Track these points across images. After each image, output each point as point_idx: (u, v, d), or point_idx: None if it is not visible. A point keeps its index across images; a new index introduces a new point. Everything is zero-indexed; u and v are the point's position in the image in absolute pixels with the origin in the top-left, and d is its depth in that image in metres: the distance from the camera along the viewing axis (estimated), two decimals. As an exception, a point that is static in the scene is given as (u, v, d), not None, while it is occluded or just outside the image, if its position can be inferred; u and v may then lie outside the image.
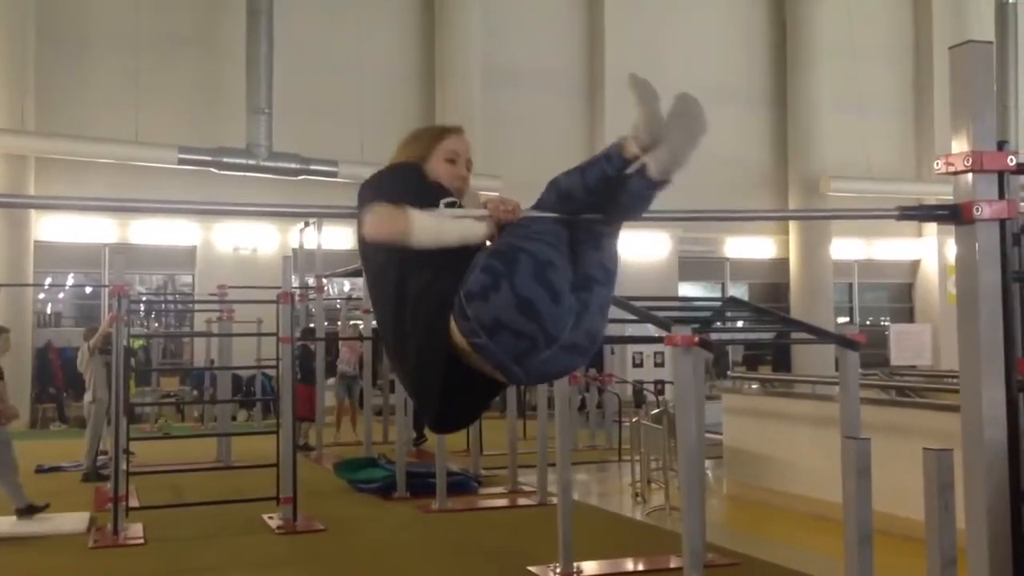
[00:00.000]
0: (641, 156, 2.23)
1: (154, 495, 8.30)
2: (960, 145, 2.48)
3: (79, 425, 15.19)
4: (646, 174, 2.23)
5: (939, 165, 2.52)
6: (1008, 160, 2.46)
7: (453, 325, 2.20)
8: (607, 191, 2.31)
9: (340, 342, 13.82)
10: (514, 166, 16.34)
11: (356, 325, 14.49)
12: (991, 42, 2.63)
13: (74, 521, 7.60)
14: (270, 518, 7.70)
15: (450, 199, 2.40)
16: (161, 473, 9.13)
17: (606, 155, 2.29)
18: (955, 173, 2.49)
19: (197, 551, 6.93)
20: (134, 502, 8.07)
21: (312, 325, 13.14)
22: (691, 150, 2.23)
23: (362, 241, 2.48)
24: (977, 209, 2.44)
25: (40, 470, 10.37)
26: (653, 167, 2.22)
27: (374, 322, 13.84)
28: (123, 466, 7.33)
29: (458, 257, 2.25)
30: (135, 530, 7.27)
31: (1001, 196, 2.47)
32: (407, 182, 2.48)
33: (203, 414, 15.11)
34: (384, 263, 2.42)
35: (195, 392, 16.05)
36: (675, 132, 2.22)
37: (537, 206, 2.36)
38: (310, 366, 12.22)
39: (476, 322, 2.16)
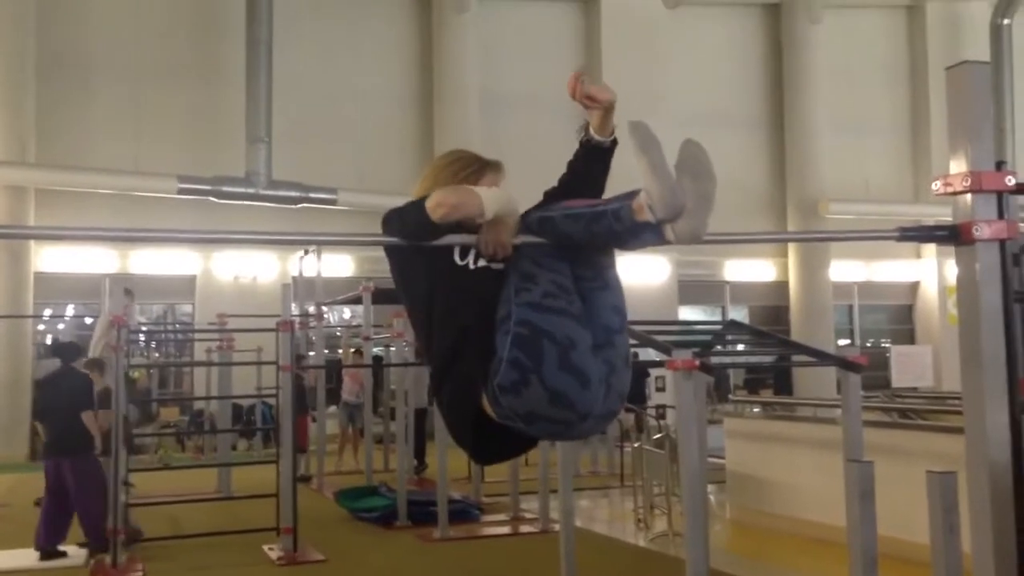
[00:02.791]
0: (653, 222, 2.16)
1: (153, 526, 8.24)
2: (958, 166, 2.47)
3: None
4: (662, 236, 2.18)
5: (938, 186, 2.52)
6: (1007, 180, 2.46)
7: (485, 399, 2.24)
8: (612, 238, 2.29)
9: (343, 371, 13.77)
10: (511, 190, 16.30)
11: (359, 352, 14.45)
12: (987, 63, 2.63)
13: (72, 554, 7.54)
14: (270, 549, 7.64)
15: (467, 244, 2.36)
16: (160, 504, 9.08)
17: (615, 214, 2.21)
18: (954, 194, 2.48)
19: (197, 583, 6.87)
20: (134, 533, 8.00)
21: (301, 353, 13.09)
22: (709, 216, 2.16)
23: (395, 271, 2.49)
24: (977, 229, 2.43)
25: (40, 503, 10.29)
26: (672, 235, 2.17)
27: (375, 349, 13.88)
28: (122, 498, 7.28)
29: (484, 319, 2.25)
30: (134, 563, 7.22)
31: (1000, 216, 2.46)
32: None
33: (203, 444, 15.04)
34: (418, 302, 2.43)
35: (197, 421, 15.97)
36: (691, 199, 2.12)
37: (530, 231, 2.35)
38: (301, 395, 12.14)
39: (510, 411, 2.20)
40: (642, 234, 2.20)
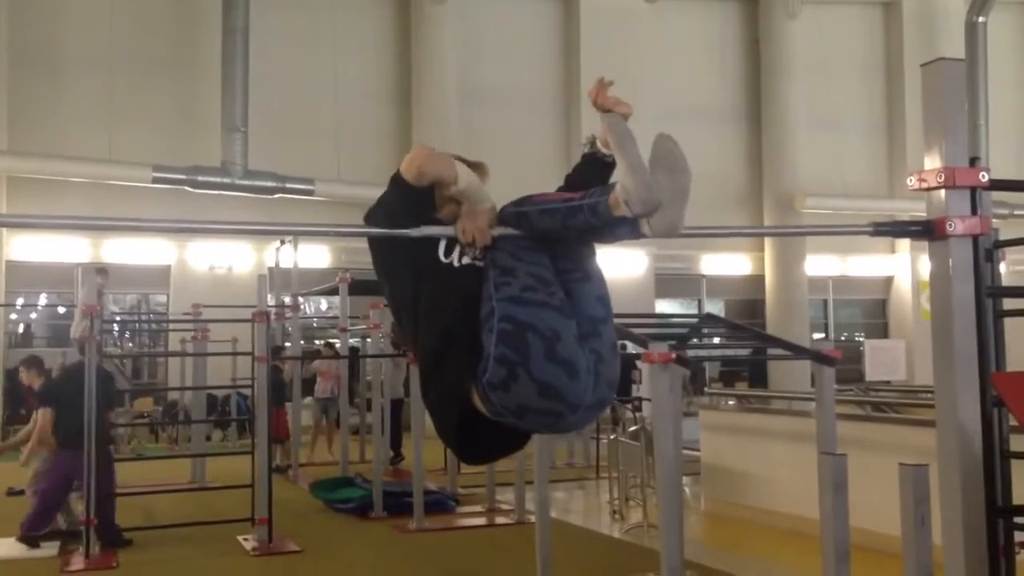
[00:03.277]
0: (630, 216, 2.18)
1: (127, 517, 8.18)
2: (933, 162, 2.49)
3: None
4: (639, 230, 2.20)
5: (912, 181, 2.54)
6: (980, 176, 2.48)
7: (475, 397, 2.24)
8: (589, 232, 2.31)
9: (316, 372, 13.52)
10: (490, 184, 16.31)
11: (332, 345, 14.38)
12: (962, 60, 2.65)
13: (45, 544, 7.48)
14: (245, 539, 7.61)
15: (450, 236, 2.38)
16: (134, 495, 9.02)
17: (591, 209, 2.22)
18: (928, 189, 2.50)
19: (171, 574, 6.84)
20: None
21: (277, 344, 13.02)
22: (684, 209, 2.18)
23: (380, 269, 2.49)
24: (950, 225, 2.45)
25: (11, 493, 10.21)
26: (647, 229, 2.19)
27: (351, 340, 13.83)
28: (92, 488, 7.23)
29: (470, 318, 2.26)
30: (107, 553, 7.17)
31: (974, 212, 2.49)
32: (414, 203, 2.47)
33: (177, 435, 14.95)
34: (403, 301, 2.43)
35: (171, 411, 15.87)
36: (666, 193, 2.15)
37: (507, 224, 2.36)
38: (279, 386, 12.10)
39: (501, 407, 2.21)
40: (618, 228, 2.22)
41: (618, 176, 2.21)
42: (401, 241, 2.35)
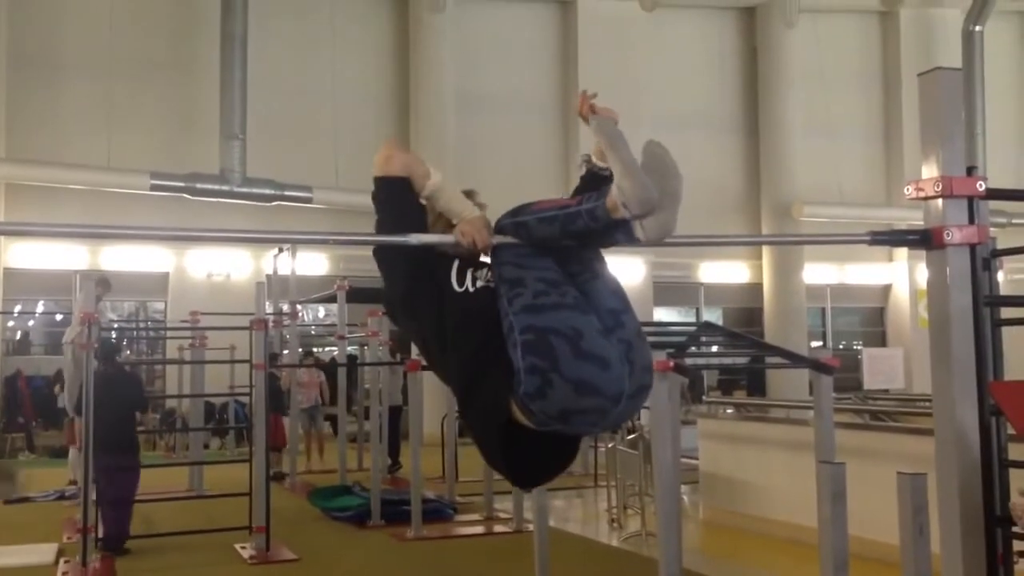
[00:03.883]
0: (628, 218, 2.21)
1: (124, 525, 8.16)
2: (930, 171, 2.50)
3: (48, 455, 14.99)
4: (633, 235, 2.24)
5: (910, 190, 2.54)
6: (977, 185, 2.49)
7: (516, 411, 2.23)
8: (588, 238, 2.33)
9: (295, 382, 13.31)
10: (487, 191, 15.97)
11: (311, 353, 14.22)
12: (959, 69, 2.66)
13: (42, 552, 7.46)
14: (242, 548, 7.59)
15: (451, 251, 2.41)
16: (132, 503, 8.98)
17: (590, 213, 2.25)
18: (925, 198, 2.51)
19: (168, 582, 6.81)
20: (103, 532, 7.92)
21: (275, 352, 12.96)
22: (677, 212, 2.22)
23: (405, 312, 2.52)
24: (947, 234, 2.45)
25: (8, 501, 10.19)
26: (641, 233, 2.22)
27: (349, 348, 13.79)
28: (92, 496, 7.21)
29: (495, 336, 2.27)
30: (106, 561, 7.14)
31: (971, 221, 2.49)
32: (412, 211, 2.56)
33: (175, 443, 14.92)
34: (431, 335, 2.45)
35: (169, 419, 15.83)
36: (659, 197, 2.19)
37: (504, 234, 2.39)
38: (276, 394, 12.06)
39: (544, 416, 2.20)
40: (615, 232, 2.25)
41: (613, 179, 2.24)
42: (423, 279, 2.39)
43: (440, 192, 2.46)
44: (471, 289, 2.38)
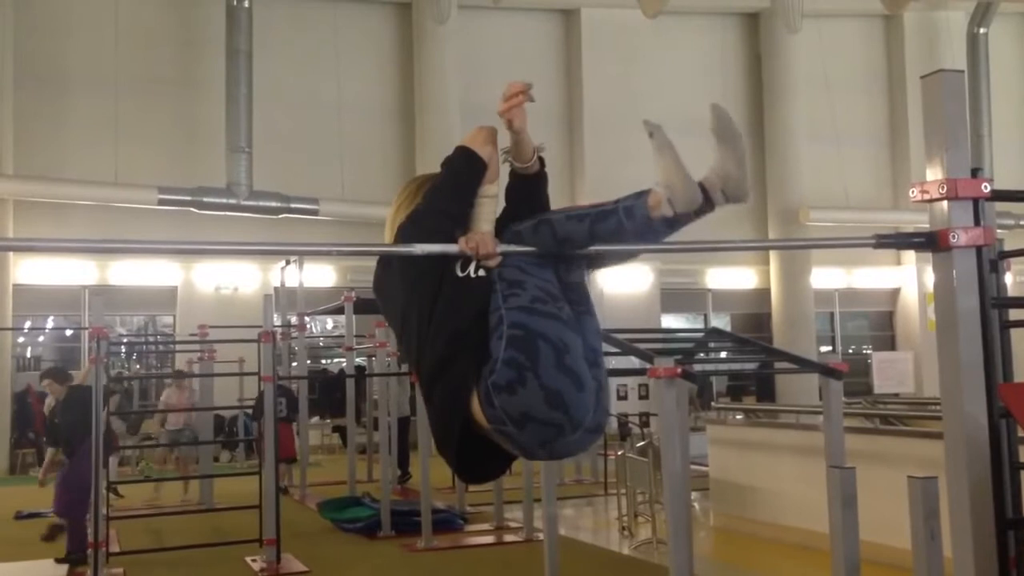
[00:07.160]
0: (671, 215, 2.26)
1: (134, 539, 8.19)
2: (934, 173, 2.49)
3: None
4: (675, 226, 2.32)
5: (915, 193, 2.54)
6: (983, 187, 2.48)
7: (475, 404, 2.22)
8: (613, 237, 2.33)
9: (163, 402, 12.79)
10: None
11: (182, 372, 13.75)
12: (962, 71, 2.65)
13: (53, 568, 7.47)
14: (253, 560, 7.60)
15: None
16: (142, 517, 9.01)
17: (627, 211, 2.27)
18: (930, 201, 2.50)
19: (179, 596, 6.82)
20: (114, 547, 7.94)
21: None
22: (747, 173, 2.35)
23: (398, 282, 2.46)
24: (953, 236, 2.45)
25: (19, 516, 10.21)
26: (720, 198, 2.34)
27: (357, 359, 13.83)
28: (103, 510, 7.23)
29: (480, 326, 2.27)
30: (116, 576, 7.16)
31: (977, 223, 2.48)
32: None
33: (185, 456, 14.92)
34: (418, 311, 2.40)
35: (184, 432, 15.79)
36: (732, 162, 2.32)
37: (522, 239, 2.36)
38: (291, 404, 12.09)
39: (503, 412, 2.18)
40: (653, 229, 2.29)
41: (659, 178, 2.29)
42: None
43: (487, 200, 2.43)
44: (472, 275, 2.37)
